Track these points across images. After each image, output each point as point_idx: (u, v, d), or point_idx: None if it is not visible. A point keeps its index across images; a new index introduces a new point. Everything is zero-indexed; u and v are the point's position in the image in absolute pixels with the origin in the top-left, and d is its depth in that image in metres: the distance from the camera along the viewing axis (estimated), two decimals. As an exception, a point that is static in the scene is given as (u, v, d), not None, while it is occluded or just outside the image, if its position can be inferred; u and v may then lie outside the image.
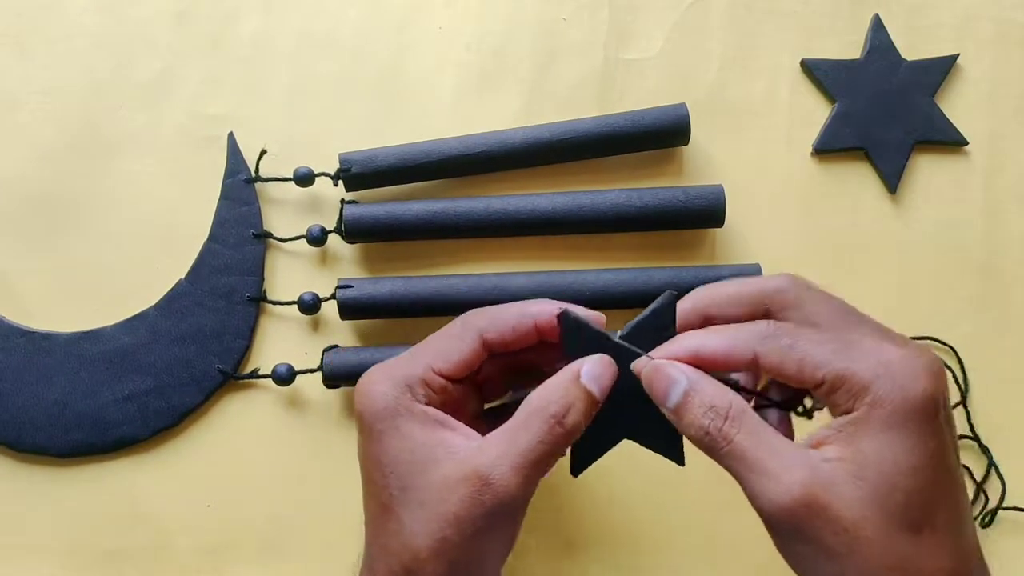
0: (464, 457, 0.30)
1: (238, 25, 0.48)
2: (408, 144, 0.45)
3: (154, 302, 0.45)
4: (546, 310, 0.33)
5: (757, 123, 0.47)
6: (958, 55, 0.47)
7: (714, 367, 0.30)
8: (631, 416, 0.32)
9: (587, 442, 0.33)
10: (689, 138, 0.45)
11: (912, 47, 0.47)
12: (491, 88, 0.47)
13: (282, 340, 0.45)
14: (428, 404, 0.32)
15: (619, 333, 0.32)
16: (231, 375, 0.43)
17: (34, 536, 0.43)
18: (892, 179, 0.46)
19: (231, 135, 0.45)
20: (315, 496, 0.43)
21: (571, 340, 0.32)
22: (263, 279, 0.44)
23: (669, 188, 0.44)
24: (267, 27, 0.48)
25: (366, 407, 0.32)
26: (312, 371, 0.43)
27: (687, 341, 0.31)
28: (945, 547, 0.27)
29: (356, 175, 0.44)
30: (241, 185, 0.45)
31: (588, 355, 0.32)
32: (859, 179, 0.47)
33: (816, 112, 0.47)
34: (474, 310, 0.34)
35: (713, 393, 0.30)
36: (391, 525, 0.31)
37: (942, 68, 0.47)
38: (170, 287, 0.45)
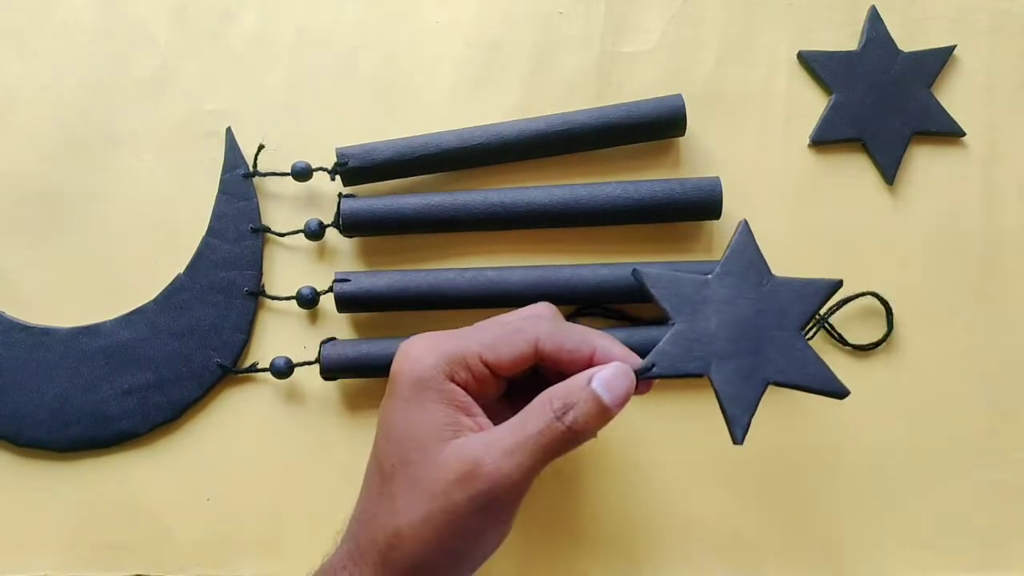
0: (464, 441, 0.31)
1: (236, 20, 0.48)
2: (405, 138, 0.45)
3: (153, 297, 0.45)
4: (612, 354, 0.33)
5: (754, 115, 0.47)
6: (955, 46, 0.47)
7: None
8: (769, 355, 0.34)
9: (733, 400, 0.33)
10: (685, 129, 0.45)
11: (909, 38, 0.47)
12: (488, 82, 0.47)
13: (280, 334, 0.45)
14: (462, 386, 0.32)
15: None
16: (230, 369, 0.43)
17: (34, 530, 0.43)
18: (889, 170, 0.46)
19: (229, 130, 0.45)
20: (314, 489, 0.43)
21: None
22: (261, 273, 0.44)
23: (666, 180, 0.44)
24: (265, 22, 0.48)
25: (403, 371, 0.32)
26: (310, 363, 0.43)
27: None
28: None
29: (353, 169, 0.44)
30: (239, 180, 0.45)
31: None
32: (856, 170, 0.47)
33: (813, 104, 0.47)
34: (537, 312, 0.35)
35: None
36: (384, 499, 0.31)
37: (939, 59, 0.47)
38: (169, 282, 0.45)
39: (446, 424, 0.31)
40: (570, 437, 0.31)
